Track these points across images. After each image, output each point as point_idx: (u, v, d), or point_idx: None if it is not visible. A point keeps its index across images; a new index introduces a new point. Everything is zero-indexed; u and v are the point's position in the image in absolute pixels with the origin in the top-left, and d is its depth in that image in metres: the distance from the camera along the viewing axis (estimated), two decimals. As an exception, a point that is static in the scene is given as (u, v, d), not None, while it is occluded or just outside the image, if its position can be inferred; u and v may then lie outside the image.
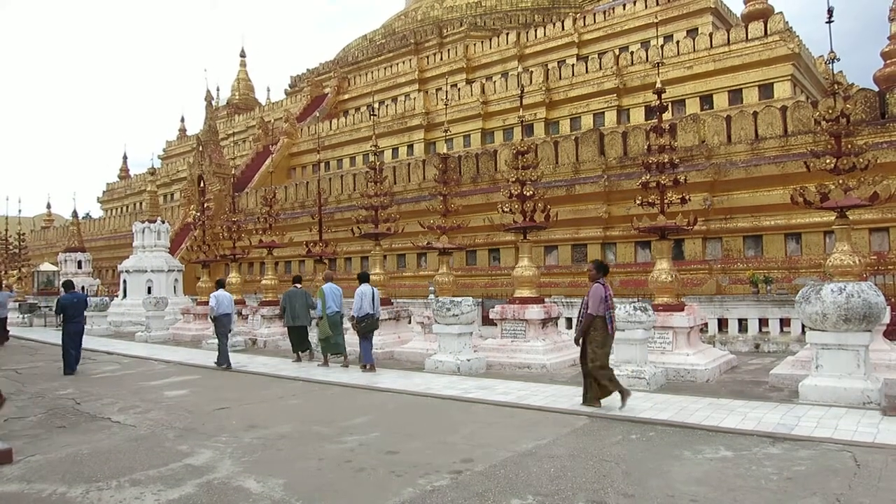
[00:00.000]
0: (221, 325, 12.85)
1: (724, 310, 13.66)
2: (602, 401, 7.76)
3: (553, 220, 12.49)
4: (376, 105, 32.56)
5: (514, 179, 12.13)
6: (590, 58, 27.15)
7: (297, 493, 5.02)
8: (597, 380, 7.72)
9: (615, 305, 7.94)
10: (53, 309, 13.78)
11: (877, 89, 17.14)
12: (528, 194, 12.03)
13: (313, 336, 13.10)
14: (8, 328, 19.20)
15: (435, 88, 33.44)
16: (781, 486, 4.92)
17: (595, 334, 7.69)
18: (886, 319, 8.96)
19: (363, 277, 12.17)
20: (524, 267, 12.12)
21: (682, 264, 16.45)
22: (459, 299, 11.28)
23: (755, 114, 17.43)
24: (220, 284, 13.83)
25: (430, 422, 7.57)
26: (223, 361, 12.58)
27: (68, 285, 13.48)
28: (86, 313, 13.65)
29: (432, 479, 5.23)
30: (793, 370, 8.97)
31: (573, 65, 27.51)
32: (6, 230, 32.61)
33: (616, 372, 9.08)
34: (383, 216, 14.89)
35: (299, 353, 13.17)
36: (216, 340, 14.73)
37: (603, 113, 25.56)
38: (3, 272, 31.85)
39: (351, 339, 12.47)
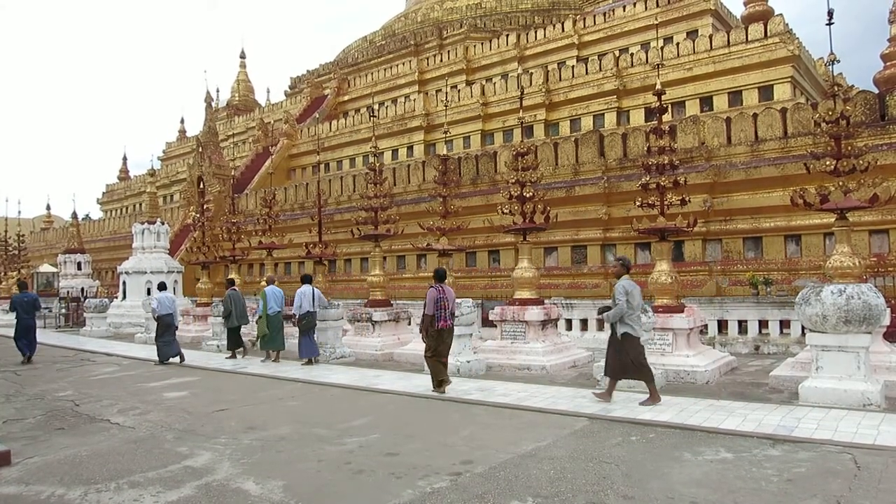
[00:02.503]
0: (164, 324, 13.72)
1: (724, 311, 13.65)
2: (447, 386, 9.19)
3: (553, 221, 12.50)
4: (376, 106, 32.56)
5: (513, 181, 12.12)
6: (590, 59, 27.13)
7: (297, 495, 5.01)
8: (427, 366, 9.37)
9: (448, 306, 9.33)
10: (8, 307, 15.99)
11: (877, 91, 17.14)
12: (527, 196, 12.03)
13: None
14: None
15: (435, 90, 33.45)
16: (781, 487, 4.91)
17: (431, 330, 9.24)
18: (886, 321, 8.94)
19: (305, 279, 13.27)
20: (524, 268, 12.11)
21: (681, 266, 16.43)
22: (459, 301, 11.26)
23: (755, 115, 17.43)
24: (162, 287, 15.11)
25: (429, 423, 7.56)
26: (169, 355, 13.53)
27: (22, 285, 15.80)
28: (86, 315, 14.47)
29: (432, 481, 5.22)
30: (793, 372, 8.97)
31: (573, 66, 27.50)
32: (6, 231, 32.60)
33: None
34: (383, 217, 14.89)
35: (236, 352, 14.09)
36: (216, 342, 14.96)
37: (603, 114, 25.55)
38: (2, 273, 31.87)
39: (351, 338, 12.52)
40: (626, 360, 8.01)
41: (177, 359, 13.53)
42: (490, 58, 33.98)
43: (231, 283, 15.15)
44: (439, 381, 9.23)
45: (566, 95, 26.49)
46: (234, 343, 14.14)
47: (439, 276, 9.67)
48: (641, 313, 8.33)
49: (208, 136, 33.65)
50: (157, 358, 13.61)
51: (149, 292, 23.32)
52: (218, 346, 15.53)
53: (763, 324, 13.31)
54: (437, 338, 9.31)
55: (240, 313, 14.20)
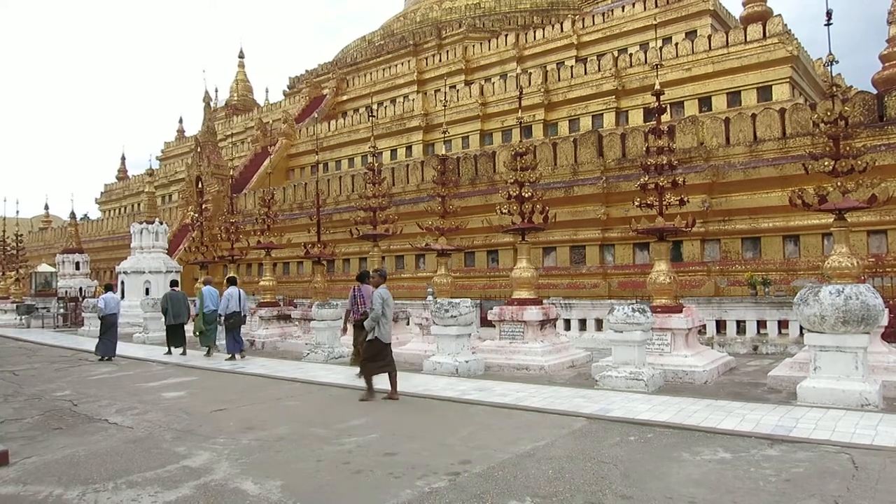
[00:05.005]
0: (108, 323, 14.44)
1: (723, 311, 13.66)
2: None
3: (551, 221, 12.49)
4: (375, 106, 32.58)
5: (512, 181, 12.12)
6: (588, 59, 27.13)
7: (295, 495, 5.01)
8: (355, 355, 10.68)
9: (363, 302, 10.47)
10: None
11: (875, 92, 17.16)
12: (526, 196, 12.03)
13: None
14: None
15: (434, 90, 33.45)
16: (780, 487, 4.91)
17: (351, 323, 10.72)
18: (884, 321, 8.95)
19: (231, 281, 14.33)
20: (522, 268, 12.11)
21: (680, 266, 16.44)
22: (458, 301, 11.27)
23: (754, 116, 17.43)
24: (108, 288, 15.81)
25: (428, 423, 7.56)
26: (107, 353, 14.23)
27: None
28: (83, 315, 14.84)
29: (430, 481, 5.22)
30: (791, 372, 8.97)
31: (572, 66, 27.50)
32: (4, 231, 32.53)
33: (614, 373, 9.15)
34: (381, 217, 14.89)
35: (172, 347, 14.94)
36: (219, 342, 15.02)
37: (602, 115, 25.56)
38: (0, 273, 31.83)
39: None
40: (374, 359, 8.98)
41: (110, 358, 14.25)
42: (489, 58, 33.98)
43: (174, 284, 16.13)
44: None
45: (565, 95, 26.50)
46: (174, 340, 14.97)
47: (359, 277, 11.01)
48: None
49: (207, 136, 33.62)
50: (99, 355, 14.27)
51: (147, 292, 23.32)
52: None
53: (761, 324, 13.33)
54: (355, 330, 10.75)
55: (175, 312, 14.94)
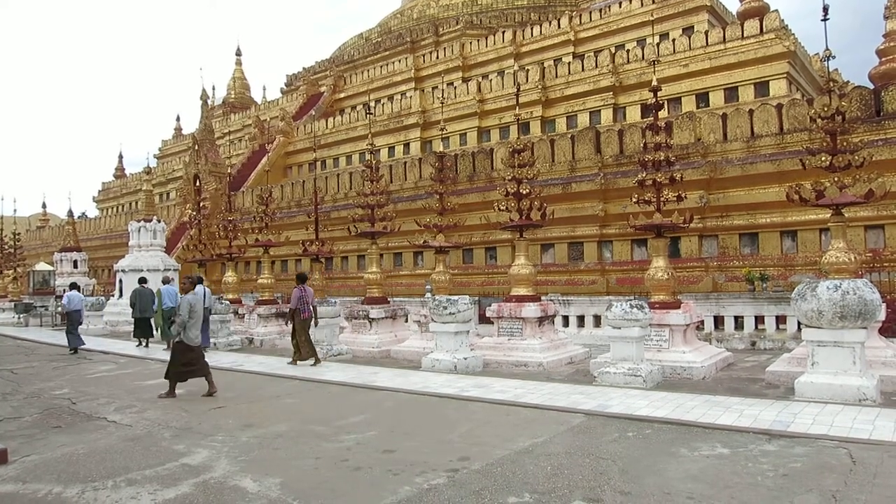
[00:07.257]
0: (71, 319, 15.71)
1: (721, 307, 13.68)
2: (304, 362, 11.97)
3: (549, 218, 12.49)
4: (372, 103, 32.51)
5: (510, 178, 12.12)
6: (586, 56, 27.12)
7: (294, 492, 5.01)
8: (297, 347, 12.08)
9: (308, 301, 12.09)
10: None
11: (872, 87, 17.16)
12: (524, 192, 12.03)
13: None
14: None
15: (431, 87, 33.41)
16: (778, 482, 4.93)
17: (298, 319, 11.99)
18: (882, 316, 8.96)
19: (198, 280, 15.69)
20: (521, 265, 12.12)
21: (678, 262, 16.46)
22: (456, 298, 11.28)
23: (751, 111, 17.44)
24: (73, 287, 16.97)
25: (427, 420, 7.57)
26: (76, 343, 15.51)
27: None
28: (84, 312, 16.66)
29: (429, 478, 5.23)
30: (789, 367, 9.00)
31: (569, 63, 27.50)
32: (1, 230, 32.45)
33: (612, 370, 9.16)
34: (380, 215, 14.89)
35: (142, 339, 16.14)
36: (213, 340, 15.09)
37: (599, 111, 25.56)
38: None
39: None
40: (176, 363, 9.41)
41: (76, 350, 15.42)
42: (486, 54, 33.93)
43: (142, 280, 17.28)
44: (310, 357, 11.94)
45: (562, 92, 26.49)
46: (141, 332, 16.19)
47: (300, 278, 12.37)
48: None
49: (204, 134, 33.54)
50: (70, 348, 15.51)
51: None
52: (214, 344, 15.54)
53: (759, 319, 13.35)
54: (302, 325, 11.97)
55: (143, 307, 16.14)
